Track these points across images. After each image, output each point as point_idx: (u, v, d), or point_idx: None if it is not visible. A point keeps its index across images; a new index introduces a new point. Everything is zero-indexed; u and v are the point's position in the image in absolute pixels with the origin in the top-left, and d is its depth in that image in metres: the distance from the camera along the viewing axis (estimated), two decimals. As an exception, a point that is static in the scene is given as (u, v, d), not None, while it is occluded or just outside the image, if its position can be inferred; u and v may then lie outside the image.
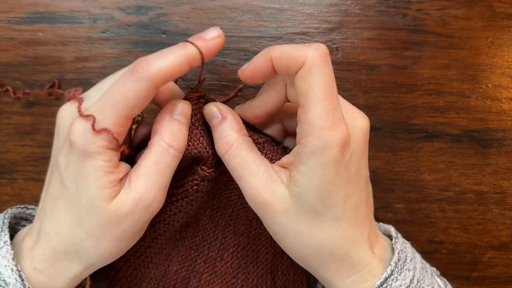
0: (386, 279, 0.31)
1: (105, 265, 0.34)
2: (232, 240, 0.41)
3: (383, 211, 0.41)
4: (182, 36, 0.43)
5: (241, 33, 0.43)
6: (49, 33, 0.43)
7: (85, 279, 0.38)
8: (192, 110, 0.34)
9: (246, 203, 0.39)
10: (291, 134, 0.38)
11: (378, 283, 0.31)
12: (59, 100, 0.43)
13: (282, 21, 0.43)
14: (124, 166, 0.33)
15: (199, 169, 0.35)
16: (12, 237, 0.34)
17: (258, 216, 0.40)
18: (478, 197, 0.44)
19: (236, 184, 0.38)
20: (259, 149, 0.35)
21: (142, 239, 0.39)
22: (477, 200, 0.44)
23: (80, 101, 0.31)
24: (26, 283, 0.31)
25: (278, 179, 0.31)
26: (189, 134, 0.34)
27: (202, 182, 0.36)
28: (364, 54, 0.44)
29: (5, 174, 0.43)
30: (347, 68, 0.44)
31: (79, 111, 0.30)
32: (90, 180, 0.30)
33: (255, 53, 0.43)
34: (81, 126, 0.30)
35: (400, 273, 0.31)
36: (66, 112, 0.32)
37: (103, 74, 0.43)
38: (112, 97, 0.29)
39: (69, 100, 0.33)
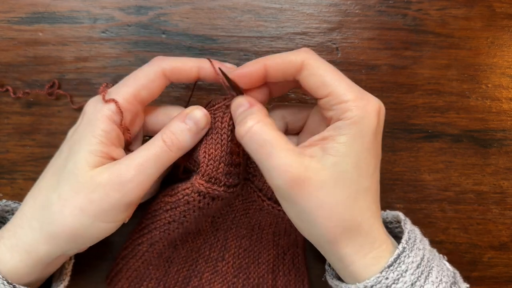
0: (399, 255, 0.31)
1: (68, 248, 0.33)
2: (234, 242, 0.41)
3: (382, 211, 0.41)
4: (182, 36, 0.43)
5: (241, 33, 0.43)
6: (49, 33, 0.43)
7: (65, 268, 0.37)
8: (219, 117, 0.34)
9: (249, 208, 0.39)
10: (291, 130, 0.38)
11: (391, 259, 0.31)
12: (59, 100, 0.43)
13: (282, 21, 0.43)
14: (122, 152, 0.33)
15: (193, 177, 0.35)
16: None
17: (260, 222, 0.40)
18: (478, 197, 0.44)
19: (240, 192, 0.38)
20: None
21: (139, 243, 0.39)
22: (477, 200, 0.44)
23: (103, 86, 0.33)
24: None
25: (307, 155, 0.31)
26: (208, 139, 0.34)
27: (193, 194, 0.35)
28: (364, 54, 0.44)
29: (5, 174, 0.43)
30: (347, 68, 0.44)
31: (100, 91, 0.33)
32: (85, 144, 0.32)
33: (255, 53, 0.43)
34: (95, 99, 0.34)
35: (412, 250, 0.32)
36: (91, 101, 0.34)
37: (103, 74, 0.43)
38: (126, 78, 0.34)
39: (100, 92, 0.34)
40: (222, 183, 0.35)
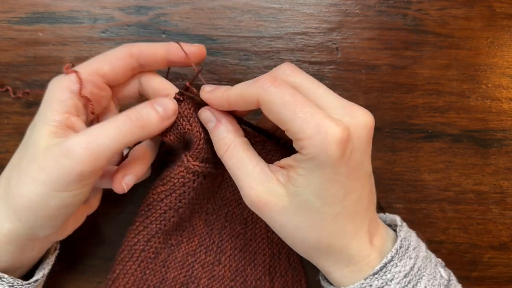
0: (385, 264, 0.31)
1: (28, 221, 0.32)
2: (229, 243, 0.41)
3: (382, 212, 0.41)
4: (182, 36, 0.43)
5: (241, 33, 0.43)
6: (49, 33, 0.43)
7: (47, 257, 0.37)
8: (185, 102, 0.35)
9: (241, 200, 0.39)
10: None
11: (378, 267, 0.31)
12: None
13: (282, 21, 0.43)
14: (79, 121, 0.33)
15: (185, 159, 0.36)
16: None
17: (253, 214, 0.40)
18: (478, 197, 0.44)
19: (230, 182, 0.39)
20: (260, 148, 0.35)
21: (135, 243, 0.39)
22: (477, 200, 0.44)
23: (69, 64, 0.34)
24: None
25: (274, 179, 0.32)
26: (184, 118, 0.35)
27: (188, 175, 0.36)
28: (364, 54, 0.44)
29: (5, 174, 0.43)
30: (347, 68, 0.44)
31: (65, 67, 0.33)
32: (41, 116, 0.32)
33: (255, 53, 0.43)
34: (59, 76, 0.34)
35: (401, 259, 0.32)
36: (55, 77, 0.34)
37: (95, 56, 0.42)
38: (93, 57, 0.35)
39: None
40: (212, 160, 0.37)
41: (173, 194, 0.37)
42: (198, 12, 0.43)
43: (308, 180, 0.30)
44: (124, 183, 0.34)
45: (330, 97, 0.32)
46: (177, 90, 0.36)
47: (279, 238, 0.41)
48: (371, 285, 0.31)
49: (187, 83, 0.35)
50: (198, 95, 0.35)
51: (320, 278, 0.37)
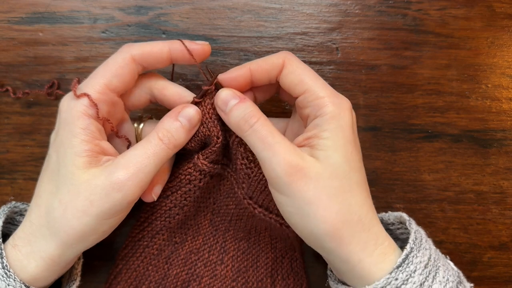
0: (407, 255, 0.31)
1: (78, 247, 0.33)
2: (232, 245, 0.42)
3: (383, 211, 0.41)
4: (182, 36, 0.43)
5: (241, 33, 0.43)
6: (49, 33, 0.43)
7: (76, 269, 0.37)
8: (210, 104, 0.35)
9: (243, 215, 0.40)
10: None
11: (400, 259, 0.31)
12: (59, 100, 0.43)
13: (282, 21, 0.43)
14: (107, 144, 0.34)
15: (195, 157, 0.36)
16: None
17: (256, 227, 0.40)
18: (478, 197, 0.44)
19: (234, 195, 0.39)
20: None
21: (139, 239, 0.40)
22: (477, 200, 0.44)
23: (75, 82, 0.33)
24: (4, 260, 0.32)
25: (301, 151, 0.33)
26: (205, 120, 0.35)
27: (195, 173, 0.37)
28: (364, 54, 0.44)
29: (5, 174, 0.43)
30: (347, 68, 0.44)
31: (72, 87, 0.33)
32: (67, 147, 0.32)
33: (255, 53, 0.43)
34: (68, 96, 0.33)
35: (419, 250, 0.32)
36: (64, 99, 0.34)
37: (98, 70, 0.42)
38: (96, 69, 0.34)
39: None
40: (220, 162, 0.38)
41: (179, 192, 0.38)
42: (198, 12, 0.43)
43: (334, 142, 0.32)
44: (153, 193, 0.36)
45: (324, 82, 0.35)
46: (191, 94, 0.36)
47: (283, 246, 0.41)
48: (396, 279, 0.31)
49: (204, 88, 0.35)
50: (215, 87, 0.35)
51: (332, 283, 0.36)
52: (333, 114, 0.32)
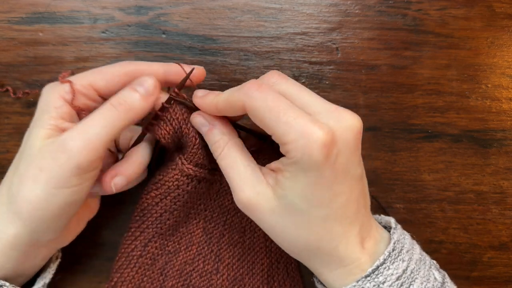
0: (378, 267, 0.32)
1: (35, 227, 0.32)
2: (227, 252, 0.41)
3: (383, 211, 0.41)
4: (182, 36, 0.43)
5: (241, 33, 0.43)
6: (49, 33, 0.43)
7: (49, 267, 0.37)
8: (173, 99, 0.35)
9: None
10: None
11: (370, 270, 0.31)
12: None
13: (282, 21, 0.43)
14: (72, 126, 0.33)
15: (179, 162, 0.36)
16: None
17: (251, 222, 0.40)
18: (478, 197, 0.44)
19: (228, 190, 0.39)
20: (255, 154, 0.35)
21: (132, 249, 0.39)
22: (477, 200, 0.44)
23: (67, 72, 0.34)
24: None
25: (264, 181, 0.33)
26: (180, 121, 0.35)
27: (182, 178, 0.37)
28: (364, 54, 0.44)
29: (5, 174, 0.43)
30: (347, 68, 0.44)
31: (61, 76, 0.34)
32: (36, 120, 0.33)
33: (255, 53, 0.43)
34: (52, 83, 0.34)
35: (393, 262, 0.32)
36: (48, 84, 0.35)
37: (93, 69, 0.42)
38: (92, 69, 0.35)
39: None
40: (207, 167, 0.37)
41: (168, 197, 0.38)
42: (198, 12, 0.43)
43: (293, 183, 0.31)
44: (113, 183, 0.35)
45: (316, 101, 0.32)
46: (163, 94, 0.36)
47: (277, 247, 0.41)
48: (363, 287, 0.31)
49: (175, 90, 0.35)
50: (190, 100, 0.35)
51: (315, 280, 0.37)
52: (295, 159, 0.30)
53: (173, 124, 0.35)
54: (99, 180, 0.35)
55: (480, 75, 0.44)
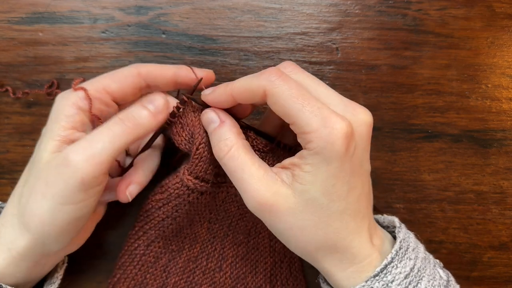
0: (386, 265, 0.31)
1: (44, 240, 0.32)
2: (231, 251, 0.41)
3: (383, 211, 0.41)
4: (182, 36, 0.43)
5: (241, 33, 0.43)
6: (49, 33, 0.43)
7: (57, 271, 0.37)
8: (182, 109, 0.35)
9: (246, 213, 0.39)
10: (287, 128, 0.38)
11: (378, 269, 0.31)
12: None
13: (282, 21, 0.43)
14: (84, 136, 0.33)
15: (181, 171, 0.36)
16: None
17: (256, 225, 0.40)
18: (478, 197, 0.44)
19: (235, 198, 0.38)
20: (259, 153, 0.35)
21: (135, 248, 0.40)
22: (477, 200, 0.44)
23: (79, 79, 0.34)
24: None
25: (279, 180, 0.31)
26: (185, 130, 0.35)
27: (182, 188, 0.36)
28: (364, 54, 0.44)
29: (5, 174, 0.43)
30: (347, 68, 0.44)
31: (74, 84, 0.34)
32: (47, 131, 0.32)
33: (255, 53, 0.43)
34: (66, 91, 0.34)
35: (401, 261, 0.32)
36: (61, 93, 0.35)
37: (103, 74, 0.43)
38: (102, 75, 0.35)
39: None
40: (210, 181, 0.36)
41: (170, 204, 0.37)
42: (198, 12, 0.43)
43: (314, 177, 0.30)
44: (128, 192, 0.35)
45: (332, 94, 0.32)
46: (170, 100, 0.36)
47: (282, 247, 0.41)
48: (372, 287, 0.31)
49: (184, 97, 0.34)
50: (202, 102, 0.35)
51: (320, 280, 0.37)
52: (318, 149, 0.29)
53: (186, 131, 0.35)
54: (111, 188, 0.36)
55: (480, 75, 0.44)
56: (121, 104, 0.36)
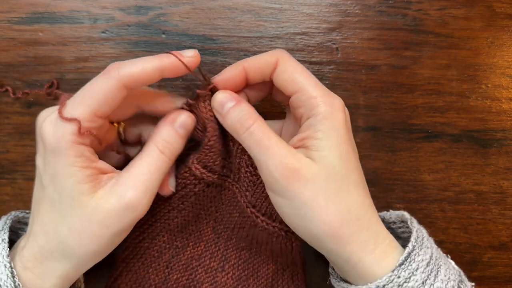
0: (409, 253, 0.32)
1: (93, 264, 0.34)
2: (234, 253, 0.41)
3: (383, 211, 0.41)
4: (182, 36, 0.43)
5: (241, 33, 0.43)
6: (49, 33, 0.43)
7: (79, 280, 0.38)
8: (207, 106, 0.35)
9: (246, 224, 0.39)
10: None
11: (402, 257, 0.31)
12: (58, 100, 0.43)
13: (282, 21, 0.43)
14: (103, 163, 0.33)
15: (190, 160, 0.36)
16: (14, 241, 0.35)
17: (258, 235, 0.40)
18: (478, 197, 0.44)
19: (238, 203, 0.38)
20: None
21: (140, 241, 0.40)
22: (477, 200, 0.44)
23: (63, 99, 0.32)
24: (16, 280, 0.31)
25: (297, 152, 0.32)
26: (202, 122, 0.35)
27: (190, 177, 0.37)
28: (364, 54, 0.44)
29: (5, 174, 0.43)
30: (347, 68, 0.44)
31: (59, 109, 0.31)
32: (65, 177, 0.31)
33: (255, 53, 0.43)
34: (51, 122, 0.31)
35: (421, 248, 0.32)
36: (45, 113, 0.33)
37: (83, 90, 0.42)
38: (81, 94, 0.32)
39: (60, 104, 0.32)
40: (217, 173, 0.37)
41: (176, 195, 0.38)
42: (198, 12, 0.43)
43: (328, 142, 0.32)
44: (171, 186, 0.37)
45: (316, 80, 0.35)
46: (181, 98, 0.36)
47: (284, 260, 0.41)
48: (399, 277, 0.31)
49: (198, 91, 0.35)
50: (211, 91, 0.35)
51: (334, 281, 0.36)
52: (325, 114, 0.32)
53: (200, 121, 0.35)
54: None
55: (480, 75, 0.44)
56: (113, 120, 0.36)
